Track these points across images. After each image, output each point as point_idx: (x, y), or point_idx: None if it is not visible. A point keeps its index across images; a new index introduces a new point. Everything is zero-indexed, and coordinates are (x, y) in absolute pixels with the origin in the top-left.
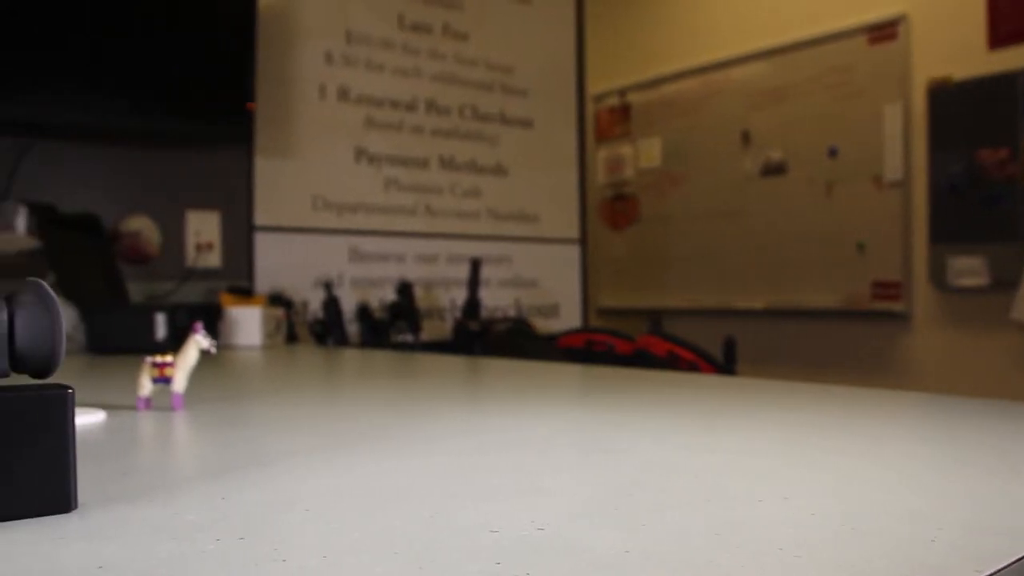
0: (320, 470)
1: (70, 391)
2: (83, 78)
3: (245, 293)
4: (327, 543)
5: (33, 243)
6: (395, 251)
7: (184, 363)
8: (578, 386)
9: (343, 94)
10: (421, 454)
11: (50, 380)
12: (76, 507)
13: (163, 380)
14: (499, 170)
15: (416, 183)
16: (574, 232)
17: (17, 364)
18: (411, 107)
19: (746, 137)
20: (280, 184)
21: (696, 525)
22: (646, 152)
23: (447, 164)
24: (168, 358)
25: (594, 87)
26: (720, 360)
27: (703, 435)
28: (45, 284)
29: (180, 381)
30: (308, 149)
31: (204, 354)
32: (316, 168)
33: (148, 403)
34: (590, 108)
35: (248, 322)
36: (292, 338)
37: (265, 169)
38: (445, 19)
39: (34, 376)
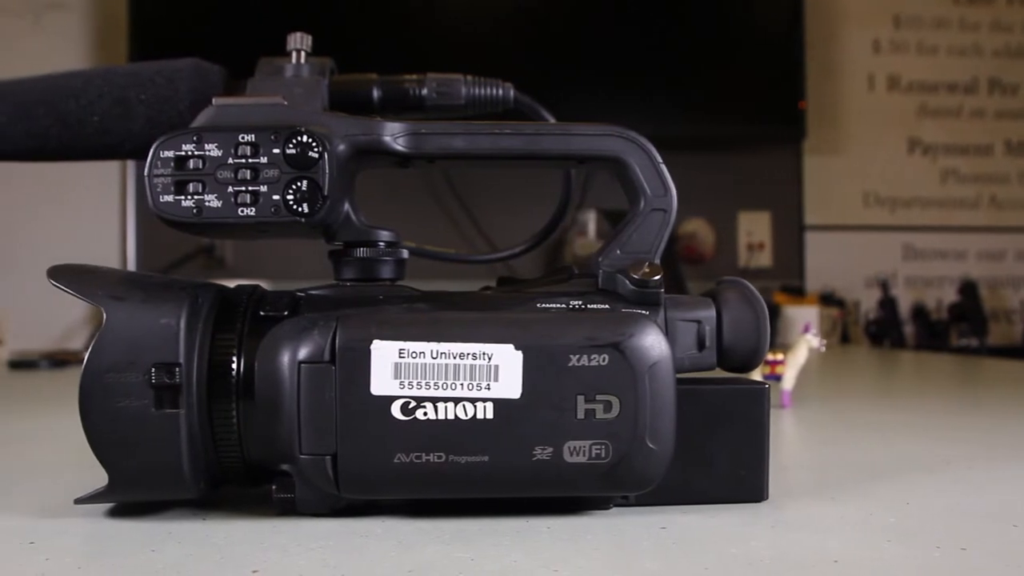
0: (999, 482)
1: (767, 386)
2: (663, 94)
3: (797, 292)
4: None
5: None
6: (954, 248)
7: (795, 361)
8: None
9: (893, 83)
10: None
11: None
12: (767, 498)
13: (773, 377)
14: None
15: (978, 172)
16: None
17: (722, 359)
18: (970, 89)
19: None
20: (829, 181)
21: None
22: None
23: (1014, 149)
24: (779, 356)
25: None
26: None
27: None
28: (747, 282)
29: (790, 379)
30: (857, 144)
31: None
32: (866, 163)
33: None
34: None
35: (804, 322)
36: (845, 338)
37: (814, 167)
38: None
39: (734, 371)
